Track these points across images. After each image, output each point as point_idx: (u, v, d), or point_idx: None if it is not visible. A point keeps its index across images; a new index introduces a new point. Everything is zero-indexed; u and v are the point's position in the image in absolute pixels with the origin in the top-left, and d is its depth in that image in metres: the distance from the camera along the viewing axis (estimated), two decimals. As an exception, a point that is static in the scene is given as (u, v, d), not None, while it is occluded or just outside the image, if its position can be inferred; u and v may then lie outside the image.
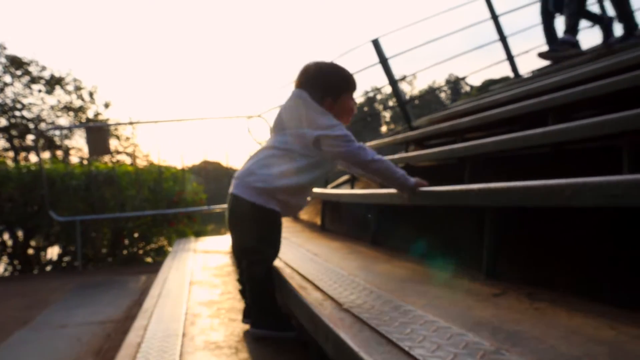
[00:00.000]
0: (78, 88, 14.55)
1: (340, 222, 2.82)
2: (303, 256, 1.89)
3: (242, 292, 1.72)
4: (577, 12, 3.62)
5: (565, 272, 1.15)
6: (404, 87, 45.43)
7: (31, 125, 13.93)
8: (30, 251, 5.36)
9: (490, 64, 4.81)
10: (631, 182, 0.85)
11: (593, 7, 4.22)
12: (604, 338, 0.80)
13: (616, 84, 1.78)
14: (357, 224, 2.51)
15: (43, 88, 14.05)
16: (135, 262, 5.31)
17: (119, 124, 14.13)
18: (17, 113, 13.89)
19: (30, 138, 14.15)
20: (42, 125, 13.96)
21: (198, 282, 2.44)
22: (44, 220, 4.98)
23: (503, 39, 4.65)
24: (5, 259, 5.31)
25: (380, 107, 45.33)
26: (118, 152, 13.53)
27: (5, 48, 13.45)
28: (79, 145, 14.08)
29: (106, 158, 8.27)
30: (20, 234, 5.31)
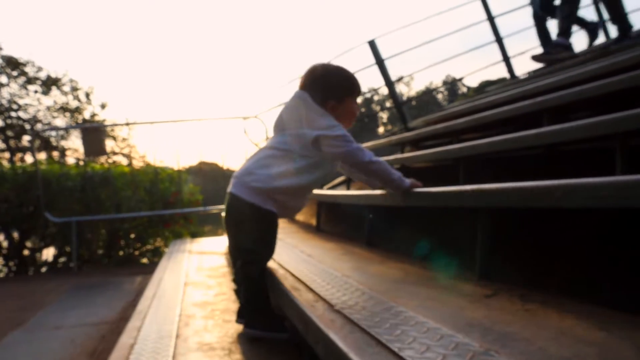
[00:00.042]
0: (74, 89, 14.54)
1: (335, 223, 2.81)
2: (297, 257, 1.88)
3: (237, 292, 1.71)
4: (569, 14, 3.64)
5: (559, 273, 1.15)
6: (401, 88, 45.45)
7: (27, 126, 13.91)
8: (26, 252, 5.35)
9: (486, 65, 4.82)
10: (619, 183, 0.86)
11: (585, 10, 4.26)
12: (594, 339, 0.80)
13: (611, 85, 1.79)
14: (352, 225, 2.51)
15: (39, 89, 14.03)
16: (131, 263, 5.30)
17: (116, 124, 14.16)
18: (13, 114, 13.88)
19: (26, 139, 14.12)
20: (38, 126, 13.93)
21: (193, 283, 2.43)
22: (40, 221, 4.98)
23: (499, 40, 4.67)
24: (0, 260, 5.29)
25: (378, 108, 45.36)
26: (114, 153, 13.52)
27: (1, 48, 13.45)
28: (75, 146, 14.07)
29: (102, 159, 8.25)
30: (15, 235, 5.30)
